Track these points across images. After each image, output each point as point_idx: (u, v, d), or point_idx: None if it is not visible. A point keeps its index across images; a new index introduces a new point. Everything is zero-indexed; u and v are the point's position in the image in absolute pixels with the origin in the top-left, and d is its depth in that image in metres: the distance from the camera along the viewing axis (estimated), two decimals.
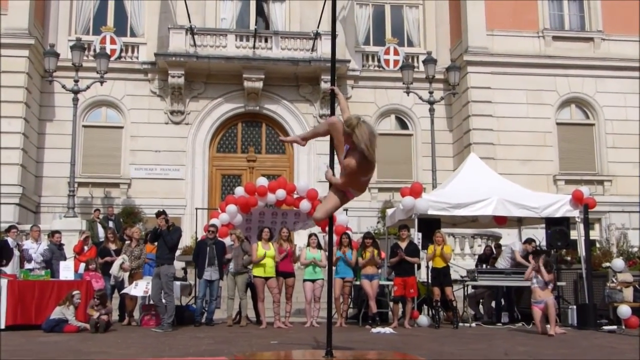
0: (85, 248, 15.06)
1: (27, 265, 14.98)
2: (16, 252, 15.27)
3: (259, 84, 24.14)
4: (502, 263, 15.25)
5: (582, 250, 14.76)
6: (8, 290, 12.24)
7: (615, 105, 24.87)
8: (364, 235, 14.45)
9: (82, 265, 14.38)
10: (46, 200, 23.44)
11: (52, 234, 15.69)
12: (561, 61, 24.96)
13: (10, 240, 15.52)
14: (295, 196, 16.38)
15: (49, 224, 19.84)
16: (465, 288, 15.06)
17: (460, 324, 13.64)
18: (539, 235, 16.26)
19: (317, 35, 23.77)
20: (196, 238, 18.33)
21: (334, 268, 12.97)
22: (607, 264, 15.96)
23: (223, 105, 24.70)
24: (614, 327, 13.08)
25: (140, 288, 13.46)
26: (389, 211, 16.79)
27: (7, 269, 14.33)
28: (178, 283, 14.02)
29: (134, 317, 13.85)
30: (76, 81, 20.51)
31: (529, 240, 15.41)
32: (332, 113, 7.91)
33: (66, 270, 13.43)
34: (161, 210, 13.06)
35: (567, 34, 25.65)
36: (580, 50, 25.42)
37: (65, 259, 14.79)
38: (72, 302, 11.92)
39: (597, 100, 25.16)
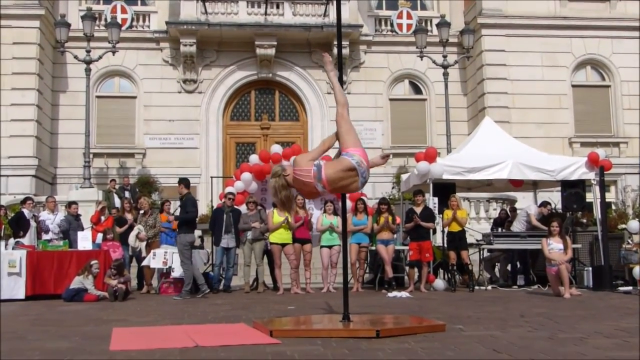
0: (102, 218, 15.16)
1: (45, 236, 15.12)
2: (32, 224, 15.43)
3: (271, 51, 24.02)
4: (518, 226, 15.23)
5: (597, 212, 14.72)
6: (27, 261, 12.38)
7: (631, 66, 24.52)
8: (379, 201, 14.46)
9: (100, 235, 14.50)
10: (62, 171, 23.60)
11: (69, 204, 15.81)
12: (577, 22, 24.62)
13: (26, 211, 15.67)
14: None
15: (65, 195, 19.98)
16: (481, 252, 15.08)
17: (476, 287, 13.68)
18: (555, 198, 16.21)
19: (329, 0, 23.56)
20: (212, 206, 18.41)
21: (349, 233, 13.02)
22: (623, 226, 15.92)
23: (236, 72, 24.64)
24: (630, 288, 13.07)
25: (158, 259, 13.54)
26: (404, 176, 16.77)
27: (25, 240, 14.50)
28: (197, 251, 14.15)
29: (153, 286, 14.00)
30: (88, 51, 20.49)
31: (545, 204, 15.38)
32: (341, 79, 7.90)
33: (84, 241, 13.55)
34: (182, 178, 13.08)
35: None
36: (596, 11, 25.06)
37: (82, 229, 14.92)
38: (91, 272, 12.04)
39: (612, 62, 24.88)
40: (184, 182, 12.87)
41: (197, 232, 16.67)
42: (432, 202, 14.26)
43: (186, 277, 12.54)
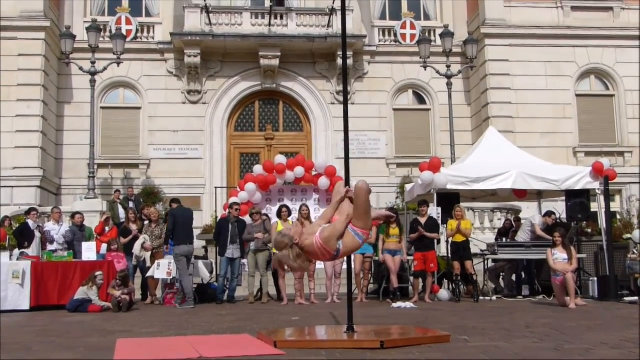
0: (107, 229, 15.18)
1: (49, 247, 15.13)
2: (37, 234, 15.44)
3: (276, 62, 24.08)
4: (522, 236, 15.20)
5: (602, 222, 14.69)
6: (32, 271, 12.38)
7: (635, 75, 24.52)
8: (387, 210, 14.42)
9: (104, 246, 14.51)
10: (67, 182, 23.64)
11: (74, 215, 15.82)
12: (580, 32, 24.64)
13: (30, 222, 15.70)
14: (313, 173, 16.43)
15: (70, 206, 20.02)
16: (486, 262, 15.04)
17: (481, 298, 13.64)
18: (559, 207, 16.18)
19: (332, 10, 23.59)
20: (216, 217, 18.42)
21: None
22: (628, 236, 15.87)
23: (240, 83, 24.69)
24: (635, 298, 12.98)
25: (162, 269, 13.53)
26: (408, 186, 16.76)
27: (30, 251, 14.51)
28: (199, 262, 14.18)
29: (157, 296, 13.98)
30: (93, 63, 20.56)
31: (549, 213, 15.33)
32: (345, 89, 8.02)
33: (89, 251, 13.55)
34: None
35: (586, 4, 25.19)
36: (599, 20, 25.07)
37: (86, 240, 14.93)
38: (95, 283, 12.03)
39: (616, 71, 24.87)
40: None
41: (201, 243, 16.75)
42: (436, 211, 14.22)
43: (184, 286, 12.75)
